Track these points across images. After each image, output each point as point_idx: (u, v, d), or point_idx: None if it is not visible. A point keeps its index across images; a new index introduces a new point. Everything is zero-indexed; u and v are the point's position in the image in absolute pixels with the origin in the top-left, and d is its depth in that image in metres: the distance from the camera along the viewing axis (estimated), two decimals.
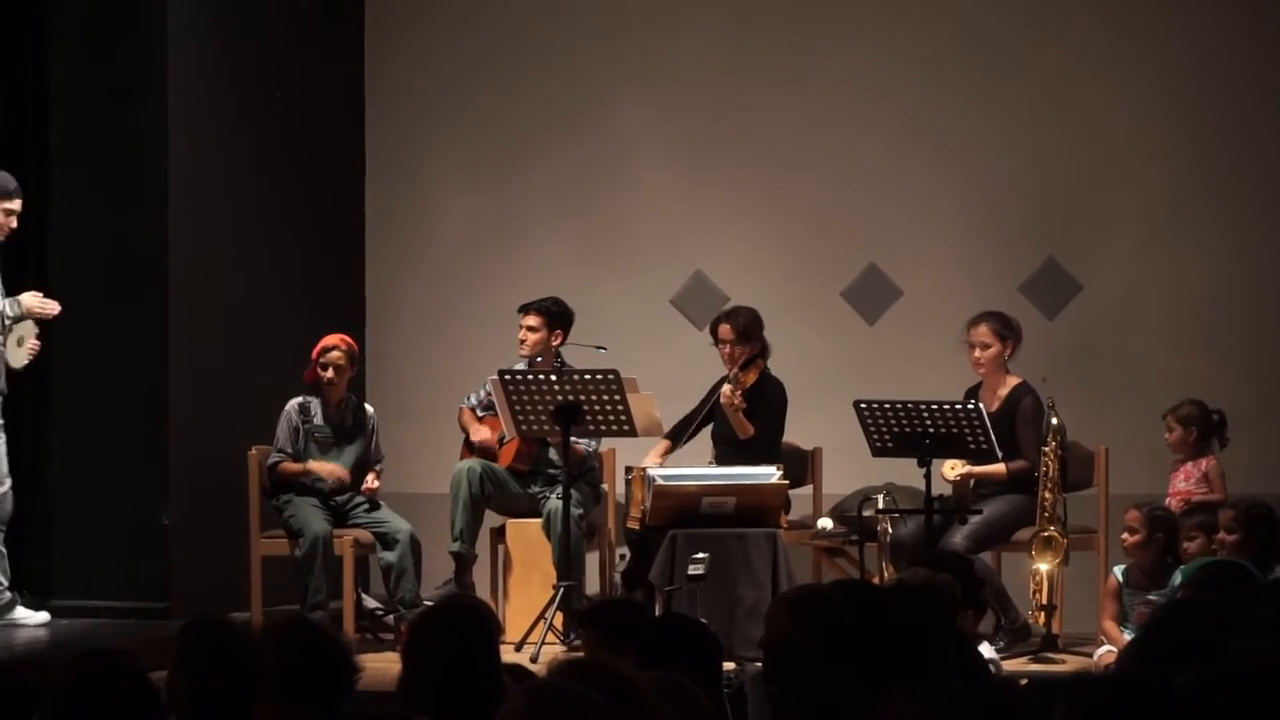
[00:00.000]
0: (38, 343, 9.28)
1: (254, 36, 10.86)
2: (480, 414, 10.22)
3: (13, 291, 9.30)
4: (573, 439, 9.60)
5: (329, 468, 9.77)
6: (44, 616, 9.46)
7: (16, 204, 9.24)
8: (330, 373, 9.83)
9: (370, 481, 9.89)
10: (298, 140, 11.19)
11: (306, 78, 11.33)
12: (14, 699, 4.47)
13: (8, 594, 9.32)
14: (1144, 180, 11.06)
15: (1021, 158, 11.16)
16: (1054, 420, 9.51)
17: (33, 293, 9.29)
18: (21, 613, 9.36)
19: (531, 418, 9.64)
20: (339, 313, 10.88)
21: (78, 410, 9.69)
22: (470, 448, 10.22)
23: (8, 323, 9.13)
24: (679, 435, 10.08)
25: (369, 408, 10.15)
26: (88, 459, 9.79)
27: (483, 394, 10.13)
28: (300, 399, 9.90)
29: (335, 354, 9.83)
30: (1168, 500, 9.43)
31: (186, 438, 10.13)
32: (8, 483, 9.26)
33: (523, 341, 10.03)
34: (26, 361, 9.28)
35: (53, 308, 9.25)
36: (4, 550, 9.28)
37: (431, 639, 5.05)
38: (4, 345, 9.23)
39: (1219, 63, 10.97)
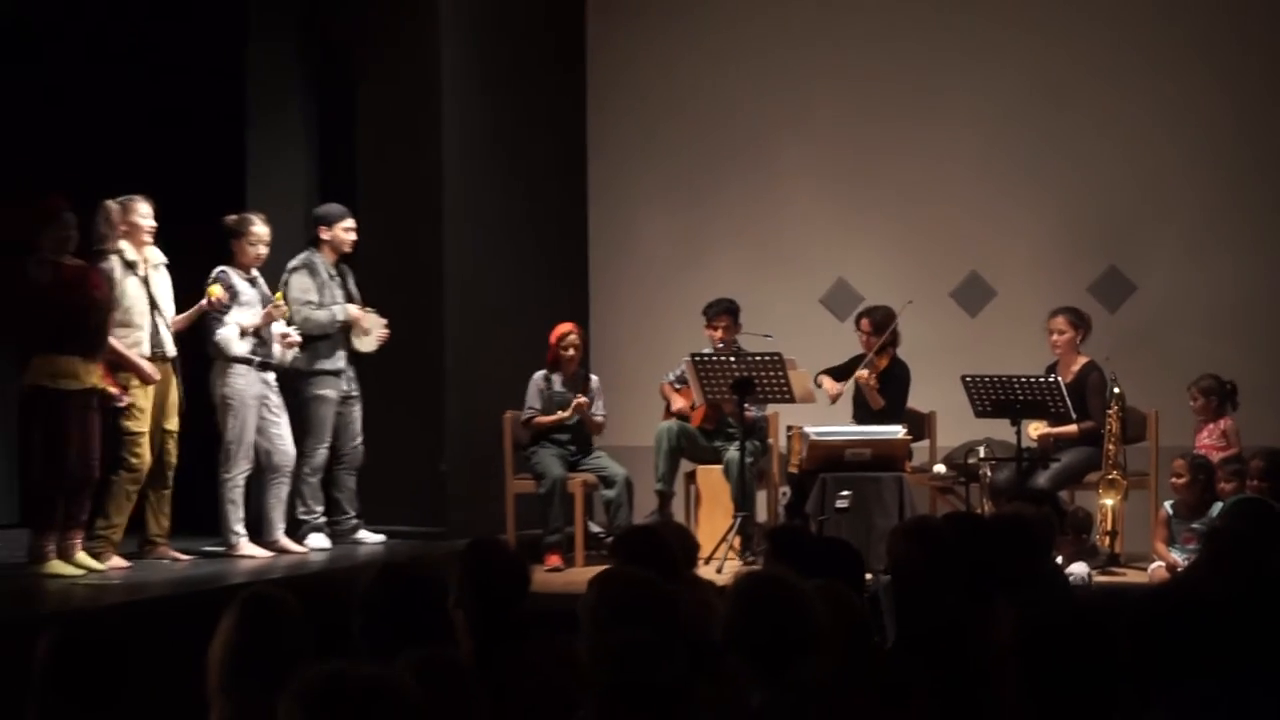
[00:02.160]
0: (386, 332, 9.37)
1: (507, 94, 10.87)
2: (676, 386, 10.25)
3: None
4: (745, 407, 9.60)
5: (577, 402, 9.79)
6: (380, 537, 9.54)
7: (352, 222, 9.34)
8: (571, 351, 9.88)
9: (585, 405, 9.82)
10: (538, 174, 11.24)
11: (546, 128, 11.38)
12: (333, 599, 4.55)
13: (354, 520, 9.47)
14: (1186, 205, 10.94)
15: (1090, 187, 11.06)
16: (1116, 390, 9.45)
17: (357, 307, 9.34)
18: (363, 534, 9.49)
19: (716, 389, 9.67)
20: (570, 308, 10.93)
21: (380, 386, 9.70)
22: (670, 413, 10.28)
23: (337, 324, 9.23)
24: (840, 375, 10.05)
25: (594, 377, 10.17)
26: (387, 423, 9.81)
27: (678, 371, 10.15)
28: (544, 372, 9.93)
29: (573, 337, 9.91)
30: (1197, 451, 9.32)
31: (458, 405, 10.22)
32: (360, 439, 9.41)
33: (722, 339, 10.01)
34: (376, 347, 9.35)
35: (371, 320, 9.36)
36: (353, 488, 9.45)
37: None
38: (348, 337, 9.33)
39: (1247, 111, 10.83)
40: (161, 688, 4.25)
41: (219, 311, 8.62)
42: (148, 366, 8.24)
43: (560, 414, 9.82)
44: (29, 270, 7.69)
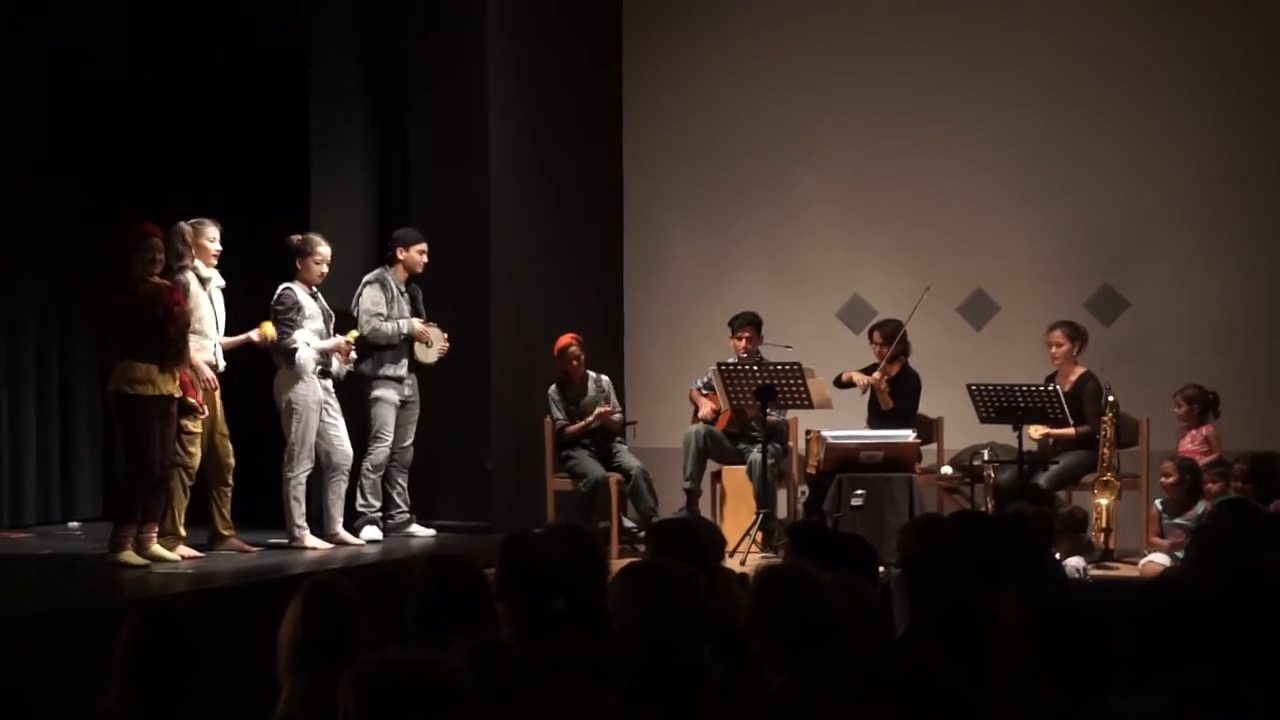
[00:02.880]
0: (447, 345, 9.41)
1: (549, 121, 10.86)
2: (704, 393, 10.24)
3: None
4: (767, 412, 9.57)
5: (600, 410, 9.91)
6: (430, 531, 9.51)
7: (425, 246, 9.39)
8: (574, 362, 9.97)
9: (609, 413, 9.99)
10: (578, 196, 11.24)
11: (585, 155, 11.39)
12: (388, 588, 4.54)
13: (406, 515, 9.47)
14: (1174, 229, 10.86)
15: (1086, 212, 10.98)
16: (1110, 398, 9.43)
17: (421, 321, 9.37)
18: (415, 528, 9.48)
19: (740, 395, 9.66)
20: (606, 322, 10.93)
21: (432, 392, 9.64)
22: (698, 417, 10.26)
23: (402, 336, 9.26)
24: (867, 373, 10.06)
25: (604, 377, 10.20)
26: (438, 425, 9.80)
27: (706, 378, 10.14)
28: (554, 388, 10.02)
29: (574, 349, 10.00)
30: (1182, 454, 9.31)
31: (502, 410, 10.18)
32: (410, 441, 9.40)
33: (746, 349, 10.00)
34: (437, 359, 9.37)
35: (434, 334, 9.38)
36: (405, 485, 9.45)
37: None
38: (412, 348, 9.35)
39: (1232, 145, 10.76)
40: (232, 669, 4.26)
41: (264, 349, 8.64)
42: (209, 373, 8.30)
43: (588, 420, 9.89)
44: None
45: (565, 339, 9.98)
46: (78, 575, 7.75)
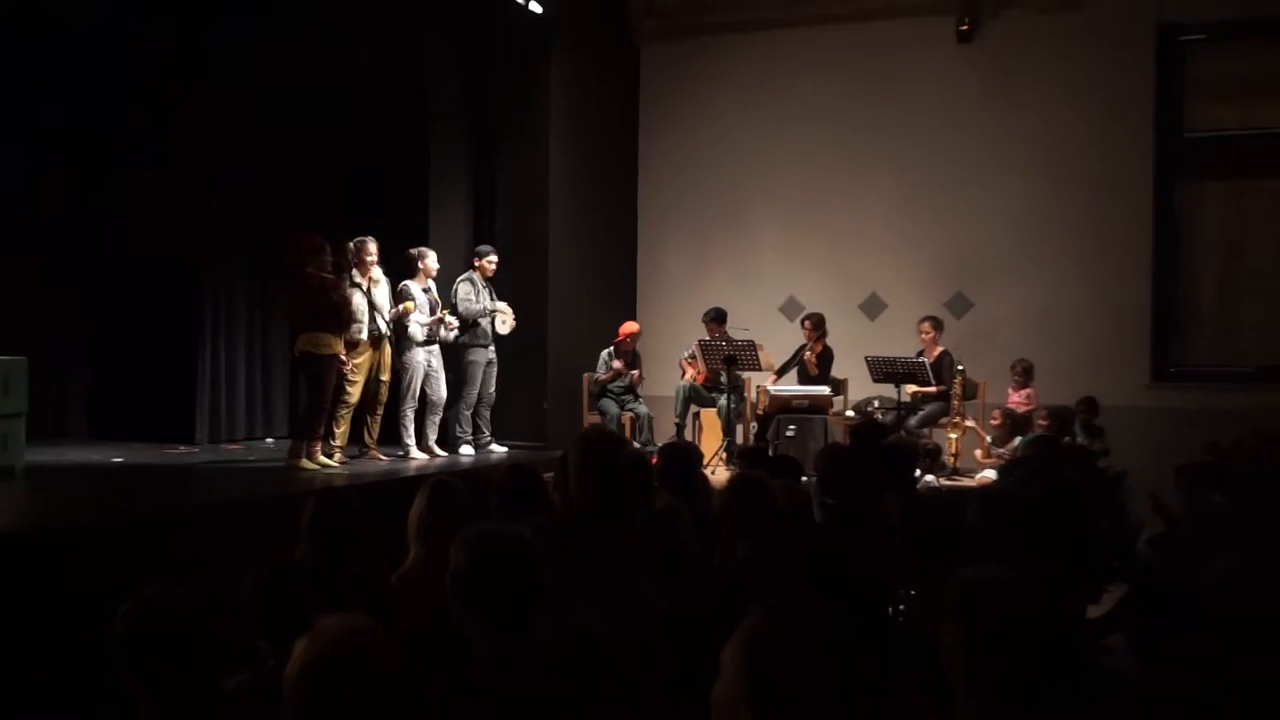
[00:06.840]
0: (515, 322, 9.29)
1: (589, 176, 10.78)
2: (689, 361, 10.21)
3: None
4: (732, 373, 9.58)
5: (632, 375, 9.95)
6: (505, 449, 9.45)
7: (495, 257, 9.32)
8: (629, 341, 9.98)
9: (636, 379, 9.99)
10: (607, 228, 11.15)
11: (612, 200, 11.30)
12: (477, 490, 4.55)
13: (489, 438, 9.41)
14: (1008, 254, 10.80)
15: (950, 240, 10.92)
16: (959, 367, 9.42)
17: (502, 304, 9.31)
18: (494, 447, 9.42)
19: (713, 361, 9.67)
20: (625, 311, 10.88)
21: (510, 357, 9.59)
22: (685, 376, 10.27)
23: (488, 311, 9.20)
24: (781, 372, 10.05)
25: (638, 351, 10.21)
26: (513, 378, 9.73)
27: (690, 351, 10.12)
28: (610, 351, 10.00)
29: (631, 337, 10.00)
30: (1008, 406, 9.33)
31: (556, 368, 10.15)
32: (493, 388, 9.32)
33: (712, 334, 9.98)
34: (509, 330, 9.28)
35: (509, 312, 9.33)
36: (488, 418, 9.38)
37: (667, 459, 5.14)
38: (492, 322, 9.27)
39: (1053, 197, 10.66)
40: (373, 537, 4.28)
41: (404, 317, 8.64)
42: (344, 360, 8.13)
43: (613, 373, 9.89)
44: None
45: (635, 328, 10.02)
46: (273, 474, 7.76)
